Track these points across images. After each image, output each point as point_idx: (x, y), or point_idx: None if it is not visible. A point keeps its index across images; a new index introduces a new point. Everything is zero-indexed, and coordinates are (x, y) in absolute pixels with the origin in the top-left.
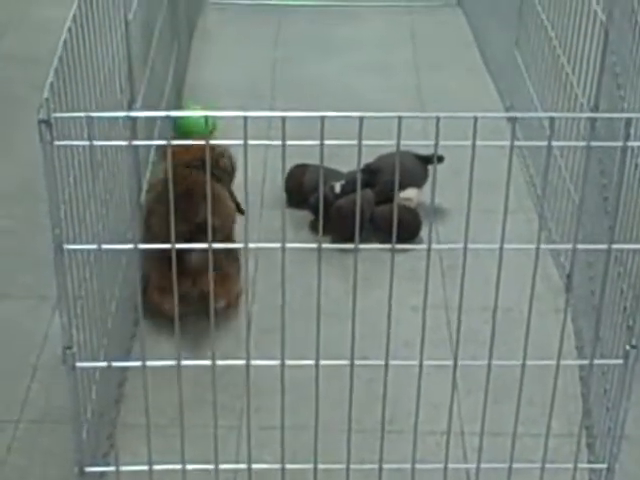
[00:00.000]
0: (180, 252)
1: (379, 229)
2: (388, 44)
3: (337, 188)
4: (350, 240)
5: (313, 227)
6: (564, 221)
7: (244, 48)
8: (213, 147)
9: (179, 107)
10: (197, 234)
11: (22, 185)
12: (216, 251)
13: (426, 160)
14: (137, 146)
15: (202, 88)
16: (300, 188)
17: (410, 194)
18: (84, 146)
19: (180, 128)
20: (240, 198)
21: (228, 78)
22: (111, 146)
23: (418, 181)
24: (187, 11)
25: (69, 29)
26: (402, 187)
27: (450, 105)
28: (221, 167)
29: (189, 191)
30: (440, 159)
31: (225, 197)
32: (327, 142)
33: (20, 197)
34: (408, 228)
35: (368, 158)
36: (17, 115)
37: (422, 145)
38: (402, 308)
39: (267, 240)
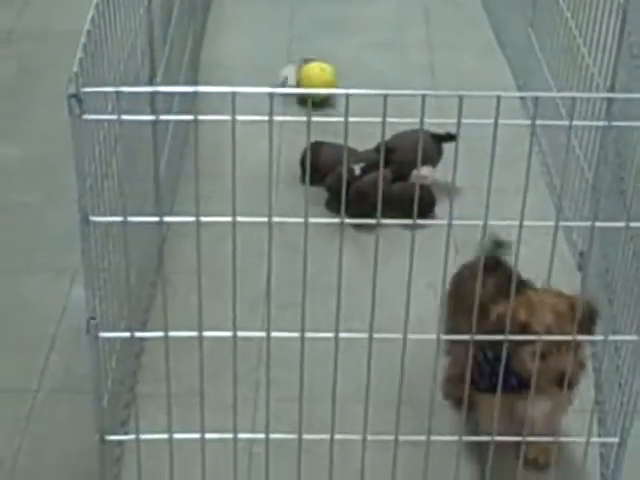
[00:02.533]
0: None
1: (395, 206)
2: (402, 23)
3: (357, 171)
4: (366, 218)
5: (328, 205)
6: (577, 199)
7: (259, 27)
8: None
9: (195, 83)
10: None
11: (38, 160)
12: None
13: (440, 138)
14: (157, 121)
15: (217, 66)
16: (316, 166)
17: (425, 172)
18: (108, 120)
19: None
20: (260, 174)
21: (243, 57)
22: (131, 121)
23: (433, 159)
24: None
25: (96, 5)
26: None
27: (463, 84)
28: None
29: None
30: (454, 137)
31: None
32: (352, 119)
33: (36, 172)
34: (422, 205)
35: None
36: (33, 90)
37: (442, 123)
38: (417, 284)
39: (282, 215)
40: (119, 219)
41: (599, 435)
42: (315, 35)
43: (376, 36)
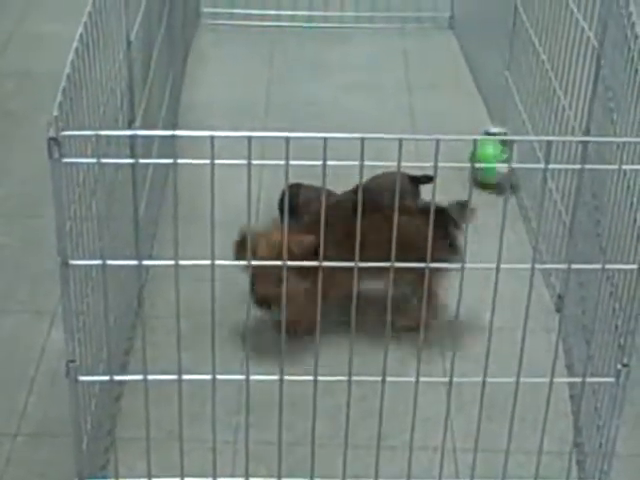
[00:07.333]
0: None
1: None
2: (380, 65)
3: None
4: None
5: None
6: (555, 242)
7: (238, 68)
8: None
9: (175, 125)
10: None
11: (17, 201)
12: None
13: (418, 180)
14: (137, 164)
15: (197, 108)
16: (295, 207)
17: None
18: (87, 164)
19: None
20: (240, 216)
21: (222, 98)
22: (110, 164)
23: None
24: (183, 31)
25: (76, 49)
26: None
27: (441, 127)
28: None
29: None
30: (431, 179)
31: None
32: (330, 163)
33: (15, 214)
34: None
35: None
36: (13, 132)
37: (420, 166)
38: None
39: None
40: (98, 262)
41: (579, 478)
42: (294, 77)
43: (354, 78)
